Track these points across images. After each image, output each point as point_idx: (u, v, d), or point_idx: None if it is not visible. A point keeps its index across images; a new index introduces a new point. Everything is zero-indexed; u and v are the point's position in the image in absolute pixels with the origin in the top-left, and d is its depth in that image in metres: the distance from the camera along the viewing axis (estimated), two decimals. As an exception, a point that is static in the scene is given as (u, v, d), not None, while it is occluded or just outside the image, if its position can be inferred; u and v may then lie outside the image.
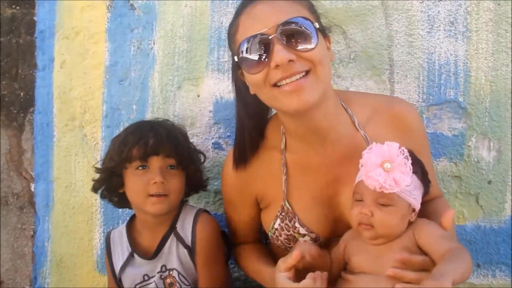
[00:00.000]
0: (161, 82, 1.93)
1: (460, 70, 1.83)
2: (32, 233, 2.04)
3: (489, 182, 1.85)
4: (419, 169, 1.25)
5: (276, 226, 1.42)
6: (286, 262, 1.24)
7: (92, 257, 2.01)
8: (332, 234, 1.39)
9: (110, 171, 1.56)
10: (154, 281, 1.60)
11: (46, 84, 1.99)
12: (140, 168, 1.52)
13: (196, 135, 1.92)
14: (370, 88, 1.84)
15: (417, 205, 1.25)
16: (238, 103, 1.41)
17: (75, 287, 2.03)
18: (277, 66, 1.17)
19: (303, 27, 1.19)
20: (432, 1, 1.82)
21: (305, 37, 1.19)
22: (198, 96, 1.92)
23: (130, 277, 1.62)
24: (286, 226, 1.40)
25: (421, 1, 1.82)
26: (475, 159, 1.85)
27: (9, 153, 2.03)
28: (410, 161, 1.17)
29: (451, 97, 1.84)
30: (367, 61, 1.84)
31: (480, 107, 1.83)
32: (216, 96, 1.90)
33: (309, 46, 1.19)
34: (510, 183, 1.85)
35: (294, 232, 1.39)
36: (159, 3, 1.91)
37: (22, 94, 2.01)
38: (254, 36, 1.18)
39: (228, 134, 1.90)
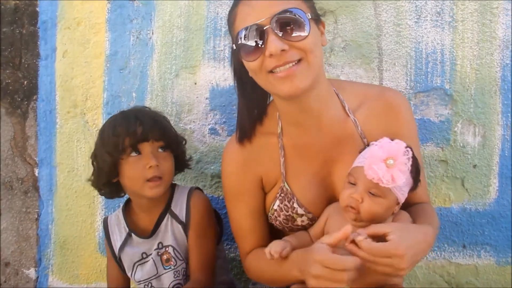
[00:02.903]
0: (159, 70, 1.98)
1: (447, 58, 1.88)
2: (36, 216, 2.09)
3: (474, 166, 1.90)
4: (414, 169, 1.29)
5: (275, 207, 1.47)
6: (333, 236, 1.20)
7: (94, 239, 2.07)
8: None
9: (108, 164, 1.59)
10: (152, 258, 1.66)
11: (48, 73, 2.04)
12: (133, 154, 1.56)
13: (193, 121, 1.98)
14: (360, 76, 1.89)
15: (403, 200, 1.30)
16: (238, 83, 1.47)
17: (78, 268, 2.09)
18: (271, 55, 1.23)
19: (296, 17, 1.25)
20: (420, -8, 1.87)
21: (298, 27, 1.25)
22: (195, 83, 1.96)
23: (129, 255, 1.69)
24: (285, 206, 1.44)
25: (409, -8, 1.87)
26: (461, 144, 1.90)
27: (13, 140, 2.08)
28: (410, 162, 1.22)
29: (438, 84, 1.88)
30: (357, 50, 1.88)
31: (466, 94, 1.88)
32: (212, 83, 1.96)
33: (302, 35, 1.25)
34: (494, 167, 1.90)
35: (292, 213, 1.43)
36: (158, -6, 1.96)
37: (25, 82, 2.06)
38: (250, 26, 1.25)
39: (224, 120, 1.96)
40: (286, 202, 1.44)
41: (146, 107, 1.75)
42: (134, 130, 1.55)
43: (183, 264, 1.67)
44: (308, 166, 1.45)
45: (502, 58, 1.87)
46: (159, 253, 1.66)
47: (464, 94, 1.88)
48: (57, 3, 2.02)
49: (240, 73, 1.42)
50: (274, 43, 1.22)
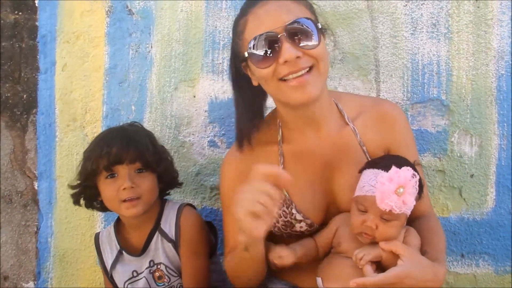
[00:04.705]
0: (158, 83, 1.99)
1: (443, 69, 1.90)
2: (35, 229, 2.09)
3: (472, 176, 1.92)
4: (419, 184, 1.30)
5: None
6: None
7: (94, 252, 2.00)
8: (324, 220, 1.46)
9: (83, 185, 1.61)
10: (144, 276, 1.65)
11: (48, 86, 2.05)
12: (109, 177, 1.56)
13: (192, 134, 1.99)
14: (357, 87, 1.91)
15: (410, 212, 1.31)
16: (236, 92, 1.49)
17: (77, 281, 2.08)
18: (285, 62, 1.27)
19: (307, 27, 1.29)
20: (415, 4, 1.89)
21: (309, 36, 1.29)
22: (194, 96, 1.98)
23: (120, 273, 1.67)
24: (283, 213, 1.45)
25: (404, 4, 1.89)
26: (458, 154, 1.91)
27: (13, 153, 2.08)
28: (417, 183, 1.24)
29: (434, 95, 1.90)
30: (354, 62, 1.91)
31: (462, 105, 1.90)
32: (211, 96, 1.97)
33: (313, 44, 1.29)
34: (491, 177, 1.91)
35: (291, 219, 1.45)
36: (156, 8, 1.98)
37: (25, 96, 2.07)
38: (264, 34, 1.28)
39: (223, 132, 1.97)
40: (285, 208, 1.45)
41: (136, 122, 1.74)
42: (108, 152, 1.54)
43: (179, 280, 1.66)
44: (307, 173, 1.47)
45: (497, 68, 1.90)
46: (151, 271, 1.65)
47: (460, 105, 1.90)
48: (56, 17, 2.03)
49: (238, 81, 1.44)
50: (289, 50, 1.26)
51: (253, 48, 1.30)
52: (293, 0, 1.33)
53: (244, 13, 1.37)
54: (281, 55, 1.27)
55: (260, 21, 1.30)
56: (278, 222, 1.47)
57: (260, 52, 1.30)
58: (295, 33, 1.28)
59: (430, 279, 1.25)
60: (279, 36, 1.27)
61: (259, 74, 1.35)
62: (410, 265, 1.22)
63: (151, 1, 1.98)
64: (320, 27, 1.33)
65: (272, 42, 1.28)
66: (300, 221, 1.45)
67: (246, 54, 1.34)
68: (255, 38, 1.29)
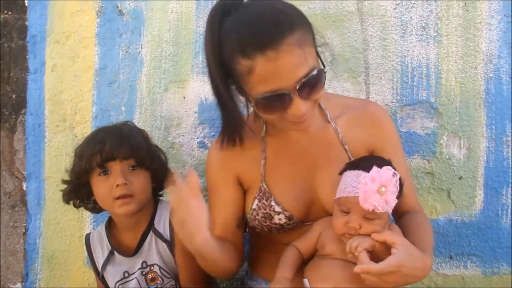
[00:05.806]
0: (148, 84, 1.99)
1: (432, 72, 1.92)
2: (24, 230, 2.08)
3: (460, 178, 1.93)
4: (400, 183, 1.30)
5: (254, 206, 1.49)
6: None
7: (83, 253, 2.04)
8: (305, 216, 1.47)
9: (76, 183, 1.60)
10: (136, 277, 1.62)
11: (37, 86, 2.04)
12: (102, 174, 1.55)
13: (182, 135, 1.99)
14: (347, 89, 1.92)
15: (391, 210, 1.33)
16: (218, 99, 1.44)
17: (66, 283, 2.07)
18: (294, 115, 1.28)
19: (318, 78, 1.26)
20: (405, 7, 1.90)
21: (318, 87, 1.28)
22: (184, 97, 1.98)
23: (112, 274, 1.65)
24: (263, 205, 1.47)
25: (394, 7, 1.90)
26: (447, 156, 1.92)
27: (1, 153, 2.07)
28: (398, 182, 1.25)
29: (423, 98, 1.92)
30: (344, 64, 1.91)
31: (451, 107, 1.91)
32: (201, 97, 1.97)
33: (320, 93, 1.29)
34: (479, 179, 1.93)
35: (270, 210, 1.46)
36: (147, 9, 1.98)
37: (14, 96, 2.06)
38: (277, 92, 1.24)
39: (212, 133, 1.97)
40: (264, 201, 1.47)
41: (129, 121, 1.73)
42: (100, 149, 1.53)
43: (172, 281, 1.65)
44: (288, 169, 1.49)
45: (486, 71, 1.91)
46: (143, 273, 1.63)
47: (449, 107, 1.92)
48: (46, 17, 2.03)
49: (218, 90, 1.39)
50: (300, 108, 1.26)
51: (261, 100, 1.27)
52: (301, 42, 1.24)
53: (247, 54, 1.24)
54: (291, 109, 1.26)
55: (272, 73, 1.23)
56: (258, 214, 1.48)
57: (269, 105, 1.28)
58: (307, 87, 1.25)
59: (420, 267, 1.26)
60: (291, 94, 1.25)
61: (262, 115, 1.36)
62: (404, 254, 1.23)
63: (141, 2, 1.98)
64: (326, 71, 1.30)
65: (283, 97, 1.26)
66: (279, 213, 1.46)
67: (253, 103, 1.32)
68: (265, 93, 1.25)
